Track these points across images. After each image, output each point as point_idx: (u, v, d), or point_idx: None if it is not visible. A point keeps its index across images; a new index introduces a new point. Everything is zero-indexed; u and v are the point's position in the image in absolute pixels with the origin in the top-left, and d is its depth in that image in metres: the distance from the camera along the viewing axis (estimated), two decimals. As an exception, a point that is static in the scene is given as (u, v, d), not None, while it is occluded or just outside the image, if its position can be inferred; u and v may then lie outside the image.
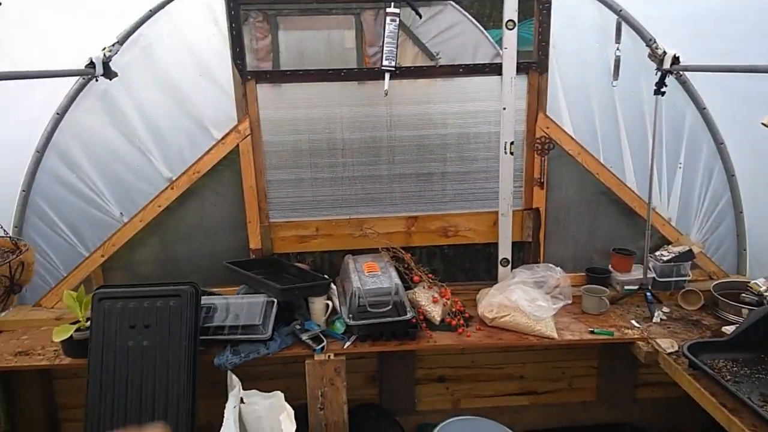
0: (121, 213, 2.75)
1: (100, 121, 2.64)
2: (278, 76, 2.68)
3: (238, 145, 2.68)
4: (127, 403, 2.19)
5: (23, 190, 2.65)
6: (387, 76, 2.54)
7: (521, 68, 2.65)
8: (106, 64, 2.49)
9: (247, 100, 2.65)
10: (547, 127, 2.74)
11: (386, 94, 2.55)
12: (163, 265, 2.86)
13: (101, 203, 2.73)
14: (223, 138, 2.67)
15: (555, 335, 2.42)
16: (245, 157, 2.69)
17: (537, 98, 2.72)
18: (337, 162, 2.77)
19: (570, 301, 2.60)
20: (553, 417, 3.04)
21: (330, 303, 2.51)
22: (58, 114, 2.59)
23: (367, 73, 2.70)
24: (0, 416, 2.75)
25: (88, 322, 2.29)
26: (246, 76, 2.62)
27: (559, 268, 2.71)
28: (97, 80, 2.51)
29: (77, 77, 2.55)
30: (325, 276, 2.62)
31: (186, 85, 2.63)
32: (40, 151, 2.61)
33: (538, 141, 2.75)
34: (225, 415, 2.15)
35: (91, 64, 2.45)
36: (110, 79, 2.53)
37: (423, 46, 5.27)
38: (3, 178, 2.64)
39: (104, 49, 2.49)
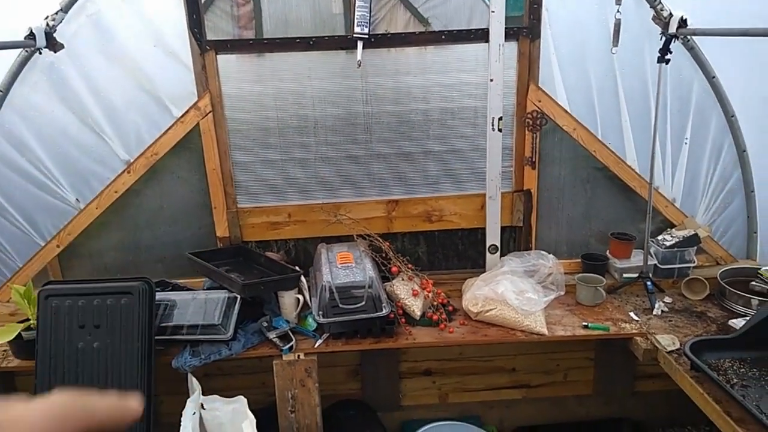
0: (77, 199, 2.54)
1: (47, 97, 2.40)
2: (240, 46, 2.41)
3: (198, 123, 2.43)
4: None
5: (-32, 175, 2.43)
6: (360, 44, 2.28)
7: (511, 34, 2.37)
8: (49, 35, 2.27)
9: (206, 74, 2.39)
10: (539, 100, 2.47)
11: (359, 65, 2.29)
12: (125, 253, 2.65)
13: (55, 189, 2.51)
14: (182, 116, 2.42)
15: (545, 331, 2.21)
16: (207, 137, 2.45)
17: (528, 68, 2.45)
18: (309, 141, 2.52)
19: (563, 292, 2.37)
20: (547, 412, 2.84)
21: (301, 297, 2.30)
22: (1, 91, 2.35)
23: (339, 42, 2.41)
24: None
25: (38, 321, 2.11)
26: (204, 46, 2.35)
27: (551, 255, 2.48)
28: (40, 53, 2.29)
29: (19, 50, 2.31)
30: (296, 268, 2.39)
31: (140, 57, 2.38)
32: (-16, 132, 2.39)
33: (529, 116, 2.49)
34: (182, 423, 1.98)
35: (31, 35, 2.22)
36: (55, 52, 2.30)
37: (415, 10, 4.95)
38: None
39: (47, 18, 2.25)
